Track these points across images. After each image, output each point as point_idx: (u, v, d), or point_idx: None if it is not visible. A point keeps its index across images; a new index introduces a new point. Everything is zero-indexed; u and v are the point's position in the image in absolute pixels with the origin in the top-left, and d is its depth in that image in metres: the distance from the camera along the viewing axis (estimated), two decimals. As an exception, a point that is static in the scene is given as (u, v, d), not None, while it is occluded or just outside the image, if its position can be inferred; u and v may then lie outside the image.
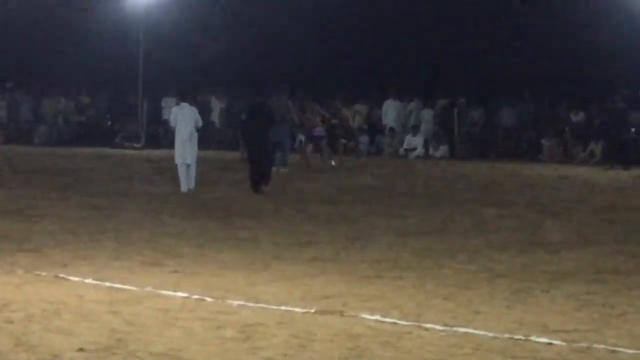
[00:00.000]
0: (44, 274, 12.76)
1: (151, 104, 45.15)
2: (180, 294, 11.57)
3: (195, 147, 23.88)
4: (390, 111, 42.33)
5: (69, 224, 17.89)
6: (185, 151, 23.43)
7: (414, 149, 40.35)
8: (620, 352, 9.04)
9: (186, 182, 23.48)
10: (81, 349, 8.86)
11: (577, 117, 39.53)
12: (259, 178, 23.33)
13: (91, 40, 44.76)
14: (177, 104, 25.34)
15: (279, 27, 42.92)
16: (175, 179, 24.06)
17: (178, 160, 23.67)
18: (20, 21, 43.98)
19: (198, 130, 24.13)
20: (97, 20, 45.07)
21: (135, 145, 43.15)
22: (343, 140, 38.38)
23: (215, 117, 41.62)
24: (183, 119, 23.68)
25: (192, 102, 25.03)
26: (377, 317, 10.40)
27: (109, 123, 47.12)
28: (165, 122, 36.98)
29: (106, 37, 44.87)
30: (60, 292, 11.55)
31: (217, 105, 39.25)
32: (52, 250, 14.78)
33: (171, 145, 26.01)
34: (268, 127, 24.94)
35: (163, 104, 43.43)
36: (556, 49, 39.43)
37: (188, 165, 23.52)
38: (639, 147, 36.94)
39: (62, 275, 12.66)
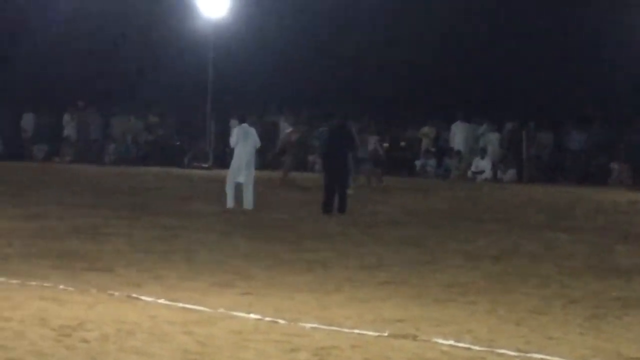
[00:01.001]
0: (116, 293, 12.82)
1: (219, 124, 45.32)
2: (252, 315, 11.56)
3: (253, 169, 24.16)
4: (458, 134, 42.30)
5: (139, 244, 18.02)
6: (240, 171, 23.76)
7: (482, 172, 40.26)
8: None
9: (232, 199, 23.77)
10: (158, 372, 8.94)
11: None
12: (333, 200, 23.40)
13: (161, 61, 45.10)
14: (238, 125, 25.41)
15: (349, 50, 42.98)
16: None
17: (229, 179, 23.94)
18: (92, 43, 44.32)
19: (257, 151, 24.43)
20: (166, 42, 45.39)
21: (204, 165, 43.38)
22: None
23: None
24: (243, 140, 23.91)
25: (253, 123, 25.22)
26: (451, 341, 10.36)
27: (178, 143, 47.38)
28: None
29: (176, 58, 45.17)
30: (134, 312, 11.59)
31: (286, 127, 39.19)
32: (124, 269, 14.87)
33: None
34: (349, 151, 25.05)
35: (231, 124, 43.57)
36: (625, 72, 39.15)
37: (240, 184, 23.76)
38: None
39: (134, 295, 12.69)
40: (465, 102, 42.19)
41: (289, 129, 36.29)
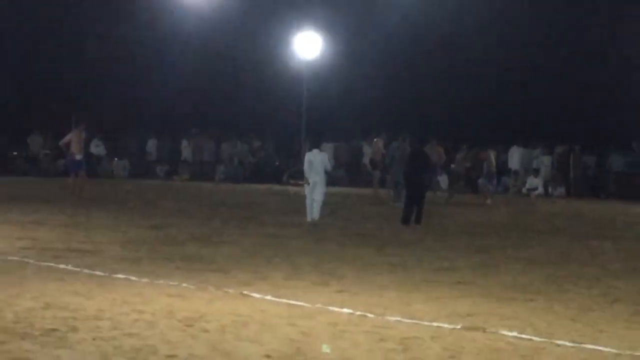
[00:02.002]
0: (231, 291, 12.87)
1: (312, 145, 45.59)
2: (345, 310, 11.57)
3: (324, 186, 23.92)
4: (515, 156, 42.28)
5: (248, 249, 18.09)
6: (313, 191, 23.63)
7: (535, 189, 40.12)
8: None
9: (311, 214, 23.63)
10: (268, 356, 8.94)
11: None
12: (411, 214, 23.46)
13: (263, 95, 45.38)
14: (310, 150, 25.02)
15: (421, 84, 42.97)
16: (332, 212, 24.20)
17: (307, 197, 23.86)
18: (208, 82, 44.70)
19: (327, 172, 24.17)
20: (267, 80, 45.68)
21: (299, 182, 43.44)
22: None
23: (366, 160, 41.59)
24: (314, 165, 23.71)
25: (327, 146, 25.08)
26: (515, 333, 10.32)
27: (277, 163, 47.60)
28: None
29: (275, 93, 45.47)
30: (246, 307, 11.64)
31: (368, 150, 39.08)
32: (236, 270, 14.92)
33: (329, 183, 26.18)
34: (425, 171, 25.17)
35: (324, 146, 43.85)
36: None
37: (314, 200, 23.63)
38: None
39: (246, 292, 12.75)
40: (521, 128, 42.10)
41: (377, 139, 36.16)
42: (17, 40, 44.99)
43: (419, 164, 24.56)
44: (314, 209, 23.70)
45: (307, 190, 23.94)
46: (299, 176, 44.30)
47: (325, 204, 24.29)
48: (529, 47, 42.64)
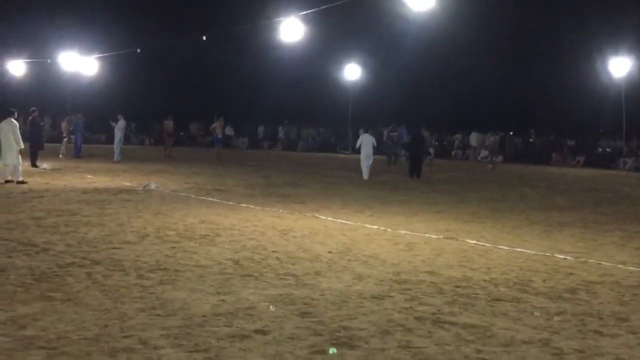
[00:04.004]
0: (307, 214, 12.95)
1: (354, 132, 45.39)
2: (374, 226, 11.61)
3: (371, 157, 22.84)
4: (474, 137, 41.77)
5: (317, 190, 18.06)
6: (364, 160, 22.75)
7: (485, 157, 39.64)
8: (602, 264, 8.80)
9: (366, 174, 22.68)
10: (330, 252, 9.04)
11: None
12: (415, 171, 23.31)
13: (326, 100, 45.24)
14: (361, 134, 24.02)
15: (428, 94, 42.44)
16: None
17: (362, 164, 22.91)
18: (292, 91, 44.40)
19: (374, 147, 23.12)
20: (329, 90, 45.45)
21: (346, 152, 43.44)
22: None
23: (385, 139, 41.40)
24: (364, 143, 22.93)
25: (371, 132, 24.52)
26: (474, 241, 10.31)
27: (333, 140, 47.55)
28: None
29: (332, 99, 45.30)
30: (316, 224, 11.72)
31: (385, 133, 38.73)
32: (310, 202, 14.97)
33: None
34: (422, 146, 25.03)
35: (359, 132, 43.55)
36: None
37: (366, 165, 22.71)
38: None
39: (316, 215, 12.83)
40: (479, 119, 41.53)
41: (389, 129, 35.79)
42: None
43: (417, 142, 24.42)
44: (366, 171, 22.68)
45: (361, 161, 22.99)
46: (345, 148, 44.41)
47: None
48: (483, 61, 41.49)
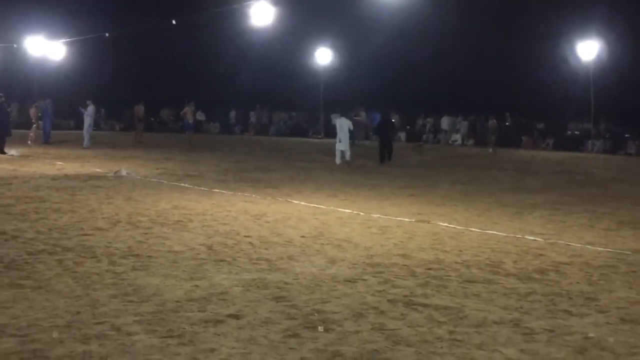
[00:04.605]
0: (280, 199, 12.95)
1: (326, 116, 45.35)
2: (347, 210, 11.63)
3: (348, 141, 22.32)
4: (445, 121, 42.09)
5: (289, 175, 18.06)
6: (341, 144, 22.06)
7: (456, 141, 39.98)
8: (571, 245, 8.92)
9: (340, 158, 21.88)
10: (303, 236, 9.05)
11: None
12: (385, 156, 22.93)
13: (297, 84, 45.02)
14: (338, 117, 23.65)
15: (394, 80, 42.39)
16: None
17: (337, 147, 22.23)
18: (263, 75, 44.17)
19: (350, 131, 22.72)
20: (300, 75, 45.29)
21: (318, 136, 43.42)
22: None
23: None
24: (341, 126, 22.34)
25: (348, 116, 24.10)
26: (446, 224, 10.39)
27: (305, 125, 47.45)
28: (334, 126, 37.25)
29: (304, 83, 45.18)
30: (289, 208, 11.73)
31: (362, 116, 38.60)
32: (282, 187, 14.96)
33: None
34: (391, 129, 24.80)
35: (332, 117, 43.55)
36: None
37: (342, 151, 21.98)
38: None
39: (289, 199, 12.84)
40: (449, 105, 41.72)
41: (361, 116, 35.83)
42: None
43: (386, 127, 24.11)
44: (345, 155, 21.92)
45: (337, 145, 22.33)
46: (317, 133, 44.36)
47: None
48: (453, 45, 41.48)
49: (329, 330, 5.18)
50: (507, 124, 39.05)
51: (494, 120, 33.43)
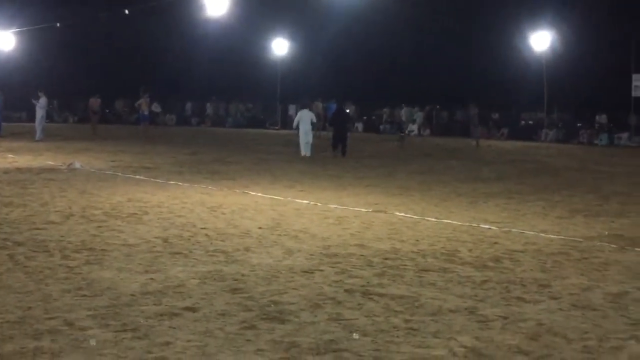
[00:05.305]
0: (237, 190, 12.89)
1: (283, 107, 45.27)
2: (304, 201, 11.64)
3: (311, 134, 22.26)
4: (403, 112, 42.37)
5: (246, 166, 18.02)
6: (305, 137, 21.94)
7: (413, 131, 40.22)
8: (525, 233, 9.05)
9: (305, 150, 21.82)
10: (260, 227, 9.01)
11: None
12: (338, 146, 22.15)
13: (254, 75, 44.80)
14: (300, 110, 23.51)
15: (350, 69, 42.41)
16: (297, 147, 23.94)
17: (300, 140, 22.05)
18: (219, 66, 43.77)
19: (313, 124, 22.53)
20: (256, 65, 45.04)
21: (275, 127, 43.34)
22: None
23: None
24: (303, 119, 22.07)
25: (310, 108, 23.70)
26: (402, 213, 10.45)
27: (262, 116, 47.31)
28: (291, 116, 37.21)
29: (261, 74, 44.94)
30: (246, 200, 11.68)
31: (319, 107, 38.54)
32: (240, 178, 14.92)
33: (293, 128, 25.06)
34: (346, 120, 24.36)
35: (289, 107, 43.53)
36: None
37: (307, 142, 21.93)
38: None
39: (246, 191, 12.78)
40: (406, 95, 41.89)
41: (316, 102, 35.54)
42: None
43: (341, 118, 23.33)
44: (307, 148, 21.86)
45: (300, 138, 22.06)
46: (275, 124, 44.28)
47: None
48: (410, 36, 41.65)
49: (286, 321, 5.17)
50: (472, 113, 39.46)
51: (477, 110, 31.87)
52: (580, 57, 35.07)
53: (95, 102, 31.81)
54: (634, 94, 33.65)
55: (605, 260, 7.45)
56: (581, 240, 8.60)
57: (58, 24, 28.83)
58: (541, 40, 37.37)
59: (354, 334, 4.88)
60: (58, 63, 40.62)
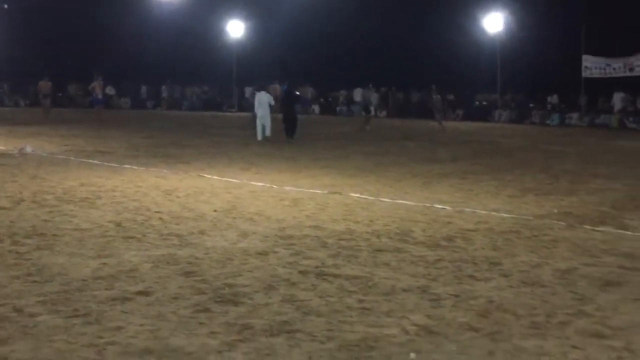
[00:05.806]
0: (192, 173, 12.77)
1: (239, 90, 44.97)
2: (260, 183, 11.57)
3: (269, 117, 21.50)
4: (358, 93, 42.40)
5: (202, 149, 17.84)
6: (263, 120, 21.34)
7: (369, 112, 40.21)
8: (477, 212, 9.15)
9: (262, 134, 21.28)
10: (215, 210, 8.95)
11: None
12: (290, 130, 21.75)
13: (210, 58, 44.32)
14: (257, 92, 22.78)
15: (309, 52, 42.17)
16: (253, 129, 23.74)
17: (258, 123, 21.40)
18: (175, 47, 43.23)
19: (271, 107, 21.73)
20: (212, 48, 44.57)
21: (232, 110, 43.06)
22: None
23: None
24: (261, 102, 21.53)
25: (267, 90, 23.37)
26: (358, 195, 10.46)
27: (219, 99, 46.95)
28: (247, 99, 36.97)
29: (216, 58, 44.49)
30: (202, 183, 11.58)
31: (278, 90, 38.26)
32: (195, 162, 14.77)
33: (250, 111, 24.69)
34: (296, 103, 24.03)
35: (245, 90, 43.19)
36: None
37: (264, 126, 21.33)
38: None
39: (201, 174, 12.67)
40: (361, 77, 41.89)
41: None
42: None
43: (291, 100, 22.87)
44: (266, 130, 21.31)
45: (258, 121, 21.44)
46: (231, 107, 43.97)
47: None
48: (365, 17, 41.60)
49: (239, 303, 5.16)
50: (434, 96, 39.70)
51: (438, 96, 31.50)
52: (532, 38, 35.46)
53: (45, 84, 31.13)
54: (584, 74, 34.24)
55: (554, 238, 7.59)
56: (531, 218, 8.75)
57: (6, 5, 28.09)
58: (494, 21, 37.72)
59: (411, 354, 4.31)
60: (8, 45, 39.64)
